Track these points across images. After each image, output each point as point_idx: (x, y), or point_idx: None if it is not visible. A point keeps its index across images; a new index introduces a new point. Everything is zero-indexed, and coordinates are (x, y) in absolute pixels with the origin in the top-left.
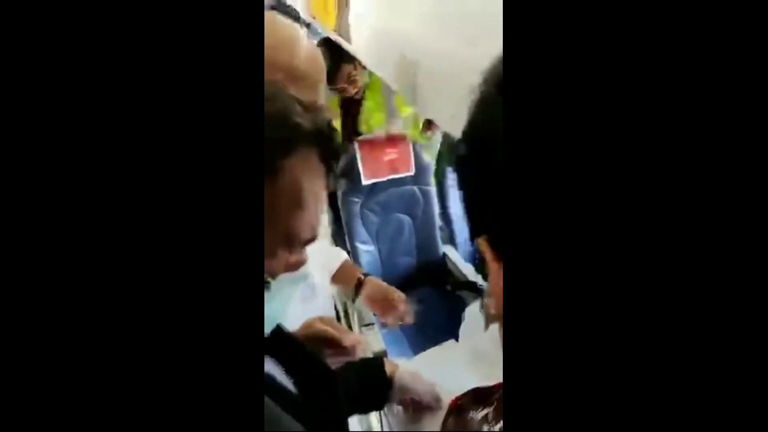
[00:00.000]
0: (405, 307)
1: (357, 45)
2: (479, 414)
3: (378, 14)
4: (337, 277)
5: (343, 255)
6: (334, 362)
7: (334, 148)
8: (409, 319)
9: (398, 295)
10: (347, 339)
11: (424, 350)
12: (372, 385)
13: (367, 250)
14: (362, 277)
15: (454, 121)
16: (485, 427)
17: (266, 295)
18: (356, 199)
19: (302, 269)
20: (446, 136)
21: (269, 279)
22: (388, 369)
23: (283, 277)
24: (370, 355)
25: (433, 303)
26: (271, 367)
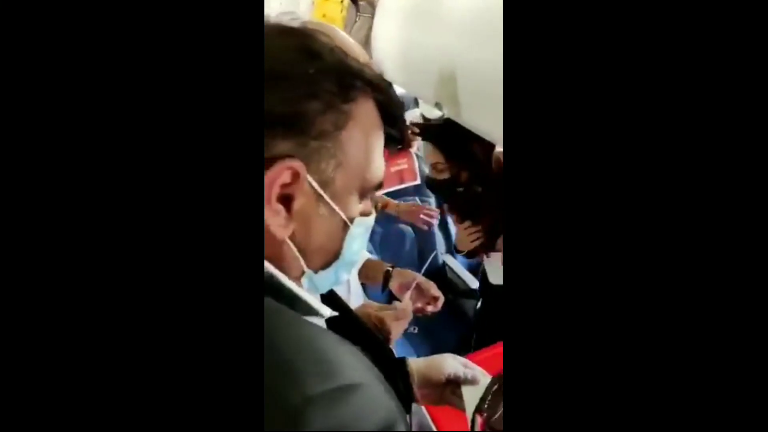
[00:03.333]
0: (435, 291)
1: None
2: None
3: (405, 31)
4: (363, 273)
5: (366, 253)
6: None
7: (389, 98)
8: (441, 304)
9: (427, 280)
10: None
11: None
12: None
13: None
14: (390, 268)
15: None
16: None
17: (348, 236)
18: None
19: (371, 216)
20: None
21: (348, 223)
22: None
23: (360, 221)
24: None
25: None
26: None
